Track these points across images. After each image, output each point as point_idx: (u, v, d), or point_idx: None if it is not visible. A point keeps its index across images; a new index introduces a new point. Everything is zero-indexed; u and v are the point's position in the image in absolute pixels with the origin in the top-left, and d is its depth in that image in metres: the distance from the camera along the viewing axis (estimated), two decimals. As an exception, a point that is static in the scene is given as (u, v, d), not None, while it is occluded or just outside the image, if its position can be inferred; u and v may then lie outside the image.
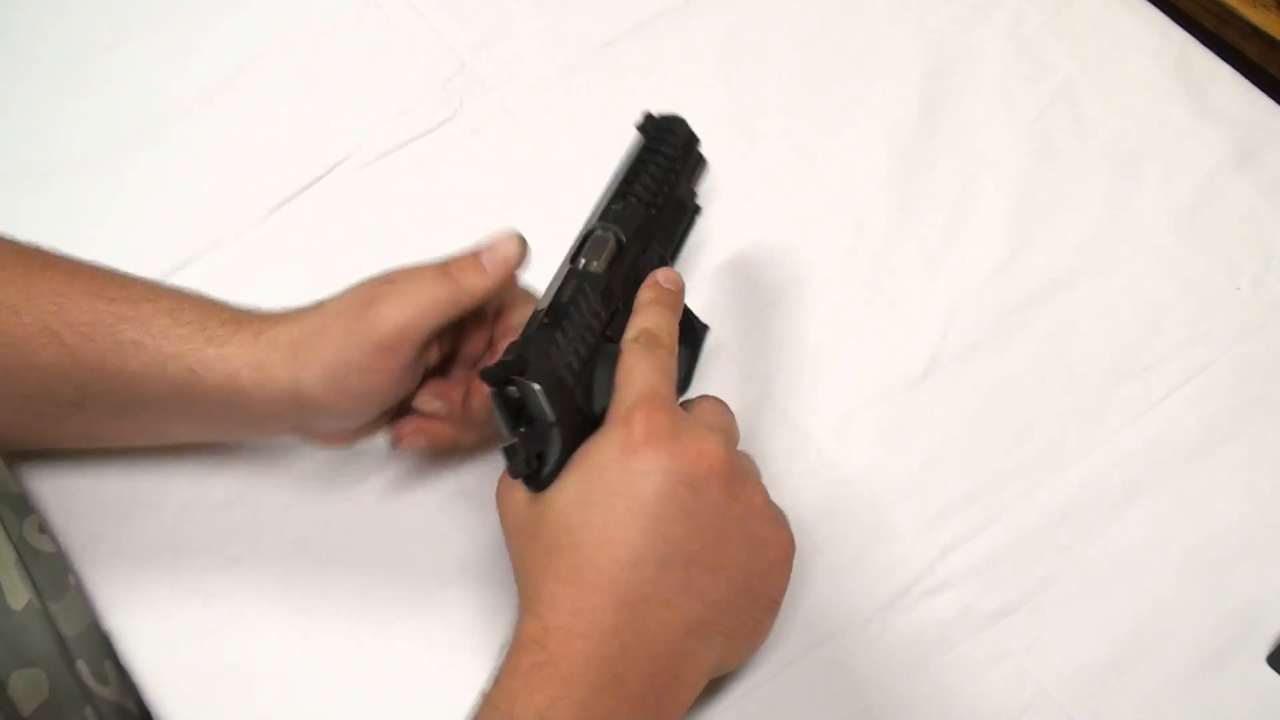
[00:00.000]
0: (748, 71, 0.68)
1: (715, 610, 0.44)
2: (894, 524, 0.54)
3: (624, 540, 0.42)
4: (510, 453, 0.43)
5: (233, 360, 0.45)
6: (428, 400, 0.50)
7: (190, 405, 0.47)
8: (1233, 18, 0.87)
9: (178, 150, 0.64)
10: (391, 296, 0.45)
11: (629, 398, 0.44)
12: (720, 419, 0.47)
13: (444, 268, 0.46)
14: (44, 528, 0.52)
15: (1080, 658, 0.51)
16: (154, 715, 0.49)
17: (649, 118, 0.55)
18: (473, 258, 0.47)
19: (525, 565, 0.44)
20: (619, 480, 0.42)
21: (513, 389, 0.43)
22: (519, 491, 0.45)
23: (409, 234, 0.61)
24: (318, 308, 0.47)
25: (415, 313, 0.45)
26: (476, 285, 0.46)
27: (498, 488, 0.46)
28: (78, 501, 0.53)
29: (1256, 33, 0.86)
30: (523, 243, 0.47)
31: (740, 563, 0.45)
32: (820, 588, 0.52)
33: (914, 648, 0.51)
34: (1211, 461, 0.56)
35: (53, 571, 0.51)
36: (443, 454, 0.55)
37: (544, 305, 0.46)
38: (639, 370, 0.45)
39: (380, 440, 0.55)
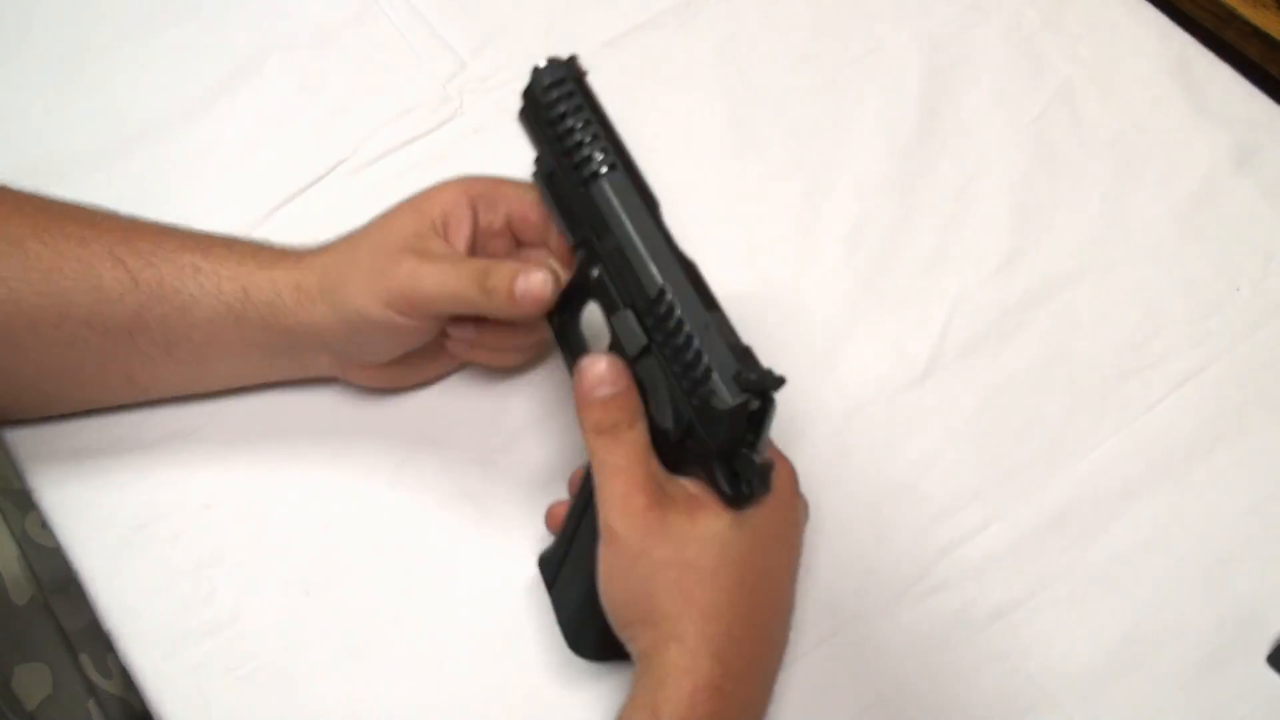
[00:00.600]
0: (747, 71, 0.68)
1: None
2: (894, 524, 0.54)
3: (781, 582, 0.44)
4: (765, 472, 0.42)
5: (278, 280, 0.49)
6: (457, 338, 0.51)
7: (238, 330, 0.49)
8: (1233, 18, 0.87)
9: (178, 150, 0.64)
10: (426, 266, 0.47)
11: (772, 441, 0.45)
12: None
13: (484, 276, 0.46)
14: (46, 523, 0.53)
15: (1080, 658, 0.51)
16: (154, 715, 0.49)
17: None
18: (509, 280, 0.46)
19: (698, 597, 0.42)
20: (780, 525, 0.44)
21: (757, 403, 0.42)
22: (683, 524, 0.42)
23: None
24: (353, 238, 0.50)
25: (440, 294, 0.47)
26: (502, 308, 0.46)
27: (634, 525, 0.43)
28: (77, 500, 0.53)
29: (1256, 33, 0.87)
30: (557, 284, 0.47)
31: None
32: (820, 588, 0.52)
33: (914, 647, 0.51)
34: (1211, 461, 0.56)
35: (55, 567, 0.51)
36: (448, 448, 0.55)
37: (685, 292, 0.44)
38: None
39: (378, 442, 0.55)
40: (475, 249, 0.50)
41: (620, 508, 0.42)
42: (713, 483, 0.43)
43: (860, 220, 0.63)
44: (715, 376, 0.41)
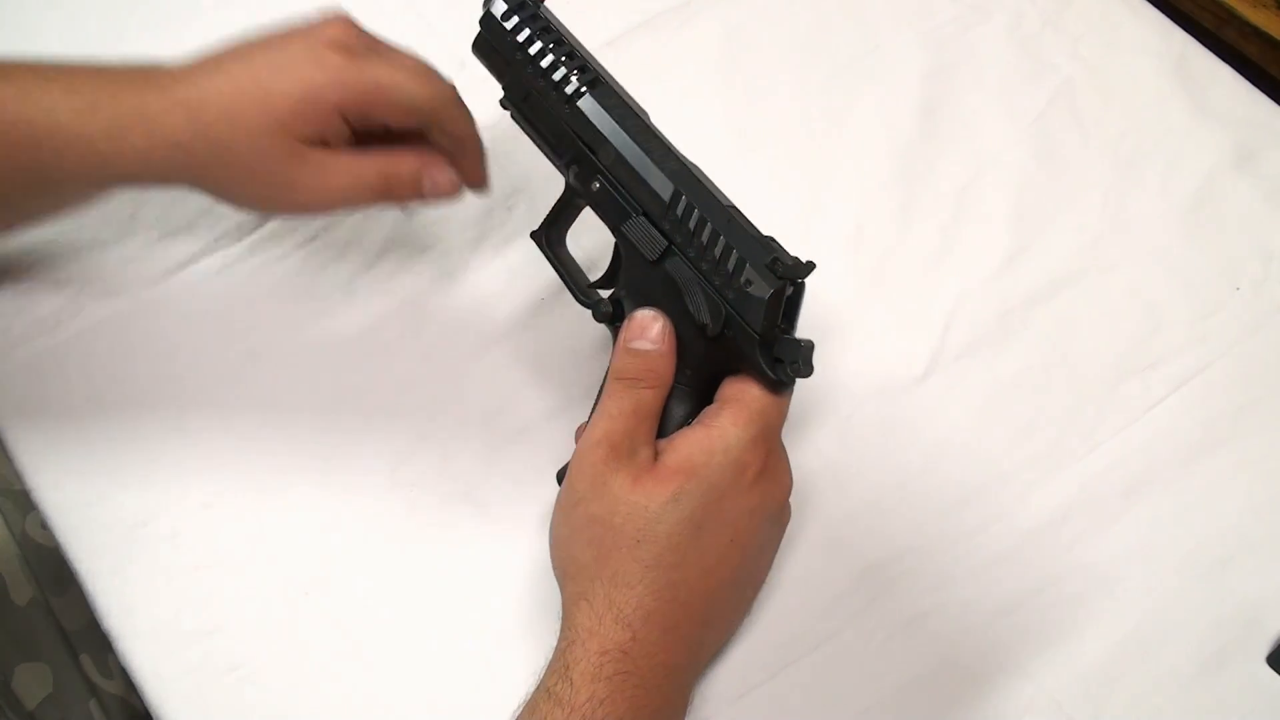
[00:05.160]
0: (748, 71, 0.68)
1: (746, 615, 0.49)
2: (894, 524, 0.54)
3: (719, 569, 0.44)
4: (807, 352, 0.44)
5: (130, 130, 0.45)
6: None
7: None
8: (1233, 18, 0.88)
9: (178, 150, 0.64)
10: (323, 175, 0.46)
11: (753, 422, 0.45)
12: (778, 427, 0.47)
13: (387, 183, 0.46)
14: (45, 524, 0.53)
15: (1081, 658, 0.51)
16: (154, 715, 0.49)
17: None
18: (413, 185, 0.47)
19: (612, 561, 0.43)
20: (729, 512, 0.44)
21: (791, 289, 0.45)
22: (623, 487, 0.44)
23: (409, 234, 0.61)
24: (223, 106, 0.46)
25: (343, 199, 0.46)
26: (410, 202, 0.47)
27: (585, 471, 0.45)
28: (78, 501, 0.53)
29: (1256, 33, 0.87)
30: (455, 181, 0.48)
31: (766, 573, 0.49)
32: (819, 588, 0.52)
33: (914, 648, 0.51)
34: (1211, 461, 0.56)
35: (56, 567, 0.51)
36: (447, 447, 0.55)
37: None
38: (756, 387, 0.46)
39: (377, 442, 0.55)
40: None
41: (583, 452, 0.45)
42: (756, 371, 0.45)
43: (861, 220, 0.63)
44: (749, 267, 0.44)
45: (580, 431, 0.49)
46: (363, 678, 0.50)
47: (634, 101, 0.48)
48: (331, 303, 0.59)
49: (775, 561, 0.53)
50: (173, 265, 0.60)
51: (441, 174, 0.47)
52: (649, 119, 0.48)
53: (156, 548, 0.52)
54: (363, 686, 0.50)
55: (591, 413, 0.47)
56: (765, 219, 0.63)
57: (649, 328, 0.46)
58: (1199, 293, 0.61)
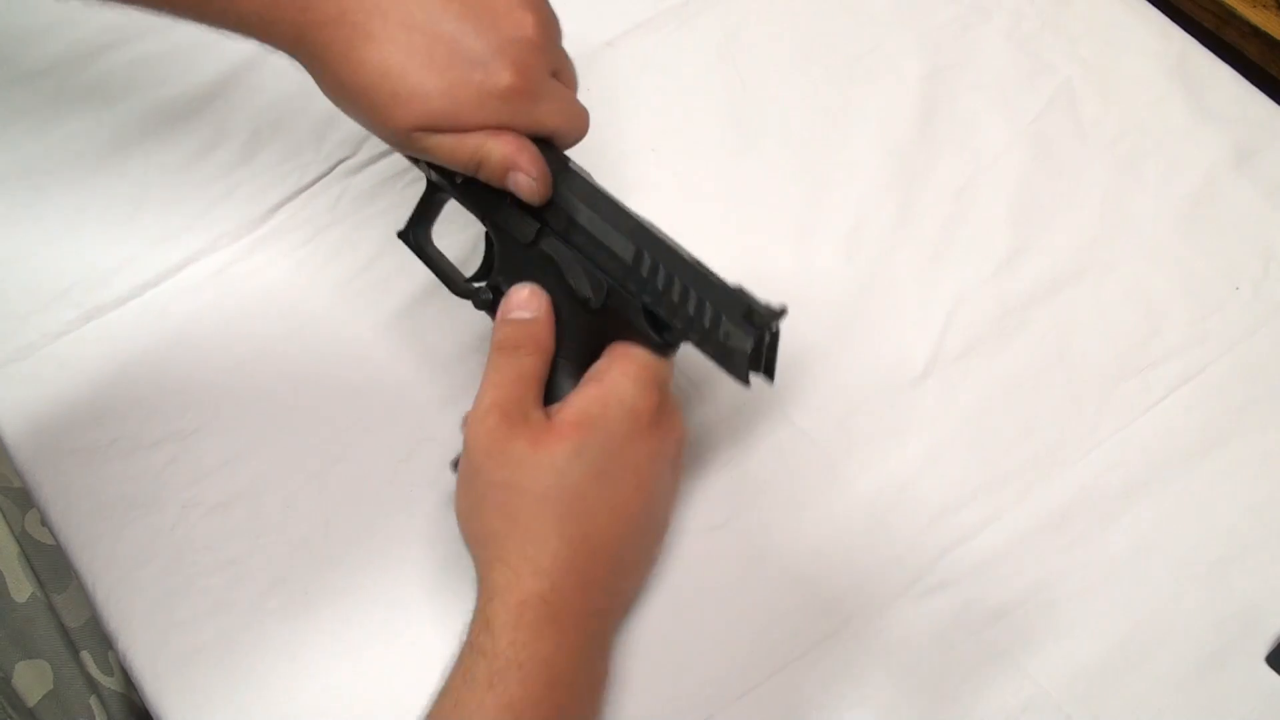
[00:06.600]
0: (747, 72, 0.68)
1: (654, 564, 0.51)
2: (894, 524, 0.54)
3: (626, 512, 0.46)
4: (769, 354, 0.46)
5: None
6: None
7: None
8: (1233, 18, 0.87)
9: (179, 149, 0.64)
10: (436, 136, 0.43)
11: (641, 374, 0.46)
12: (667, 379, 0.48)
13: (478, 163, 0.44)
14: (45, 521, 0.53)
15: (1080, 658, 0.51)
16: (153, 714, 0.49)
17: None
18: (501, 171, 0.44)
19: (523, 520, 0.44)
20: (630, 457, 0.45)
21: (768, 335, 0.45)
22: (523, 450, 0.44)
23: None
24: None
25: (438, 157, 0.44)
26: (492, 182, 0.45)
27: (479, 441, 0.45)
28: (78, 501, 0.53)
29: (1256, 33, 0.86)
30: (544, 184, 0.45)
31: (669, 520, 0.52)
32: (819, 588, 0.52)
33: (913, 647, 0.51)
34: (1211, 461, 0.56)
35: (55, 564, 0.52)
36: (448, 447, 0.55)
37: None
38: (640, 347, 0.47)
39: (378, 442, 0.55)
40: None
41: (476, 422, 0.45)
42: (643, 337, 0.46)
43: (860, 220, 0.63)
44: (725, 319, 0.44)
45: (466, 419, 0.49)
46: (363, 679, 0.50)
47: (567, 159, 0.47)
48: (331, 302, 0.59)
49: (776, 561, 0.53)
50: (173, 265, 0.60)
51: (528, 175, 0.44)
52: (591, 177, 0.47)
53: (156, 547, 0.52)
54: (363, 687, 0.50)
55: None
56: (765, 219, 0.63)
57: (523, 297, 0.47)
58: (1199, 293, 0.61)
